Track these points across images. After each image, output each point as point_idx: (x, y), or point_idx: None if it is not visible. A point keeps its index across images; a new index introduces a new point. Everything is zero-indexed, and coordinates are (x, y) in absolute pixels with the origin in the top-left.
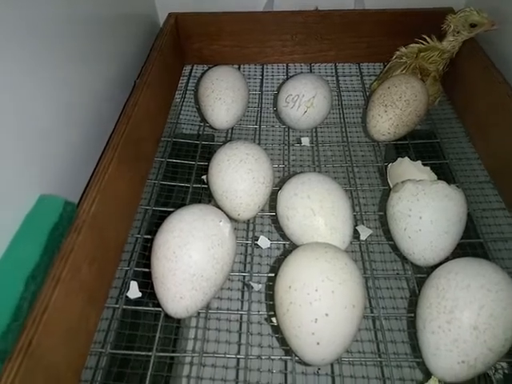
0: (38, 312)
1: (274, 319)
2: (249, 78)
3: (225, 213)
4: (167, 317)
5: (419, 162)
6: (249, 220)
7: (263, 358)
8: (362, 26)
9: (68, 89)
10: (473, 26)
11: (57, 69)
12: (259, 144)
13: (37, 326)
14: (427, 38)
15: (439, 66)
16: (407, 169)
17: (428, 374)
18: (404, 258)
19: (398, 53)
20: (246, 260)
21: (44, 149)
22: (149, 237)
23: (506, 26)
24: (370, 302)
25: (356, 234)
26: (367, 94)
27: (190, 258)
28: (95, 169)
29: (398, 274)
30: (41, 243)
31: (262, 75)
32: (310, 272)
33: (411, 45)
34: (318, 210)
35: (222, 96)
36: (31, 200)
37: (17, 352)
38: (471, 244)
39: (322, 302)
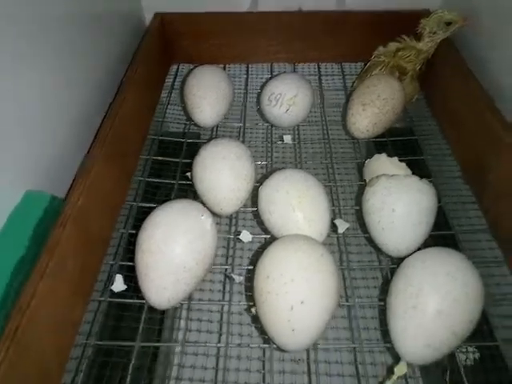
0: (24, 302)
1: (253, 309)
2: (234, 77)
3: (208, 208)
4: (151, 308)
5: (396, 158)
6: (231, 215)
7: (242, 346)
8: (344, 27)
9: (54, 86)
10: (448, 24)
11: (43, 67)
12: (243, 142)
13: (22, 315)
14: (405, 37)
15: (416, 65)
16: (384, 164)
17: (397, 358)
18: (379, 250)
19: (376, 52)
20: (228, 253)
21: (31, 146)
22: (134, 232)
23: (478, 26)
24: (345, 292)
25: (334, 228)
26: (348, 92)
27: (173, 251)
28: (82, 165)
29: (372, 264)
30: (27, 236)
31: (247, 74)
32: (287, 262)
33: (389, 44)
34: (296, 205)
35: (207, 95)
36: (18, 195)
37: (3, 338)
38: (443, 236)
39: (297, 290)
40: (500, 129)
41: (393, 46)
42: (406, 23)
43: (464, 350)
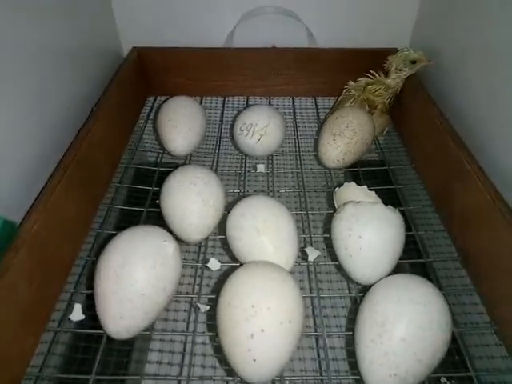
0: None
1: (217, 339)
2: (210, 109)
3: (176, 235)
4: (109, 339)
5: (365, 186)
6: (200, 242)
7: (205, 378)
8: (317, 63)
9: (23, 109)
10: (413, 62)
11: (15, 91)
12: (216, 170)
13: None
14: (374, 72)
15: (385, 99)
16: (353, 193)
17: None
18: (349, 278)
19: (347, 86)
20: (195, 282)
21: None
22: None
23: (441, 64)
24: (314, 321)
25: (304, 256)
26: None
27: (131, 277)
28: (42, 190)
29: (342, 293)
30: None
31: (223, 107)
32: (248, 288)
33: (359, 79)
34: (262, 230)
35: (179, 124)
36: None
37: None
38: (413, 264)
39: (257, 317)
40: (463, 158)
41: (362, 81)
42: (376, 60)
43: (439, 381)
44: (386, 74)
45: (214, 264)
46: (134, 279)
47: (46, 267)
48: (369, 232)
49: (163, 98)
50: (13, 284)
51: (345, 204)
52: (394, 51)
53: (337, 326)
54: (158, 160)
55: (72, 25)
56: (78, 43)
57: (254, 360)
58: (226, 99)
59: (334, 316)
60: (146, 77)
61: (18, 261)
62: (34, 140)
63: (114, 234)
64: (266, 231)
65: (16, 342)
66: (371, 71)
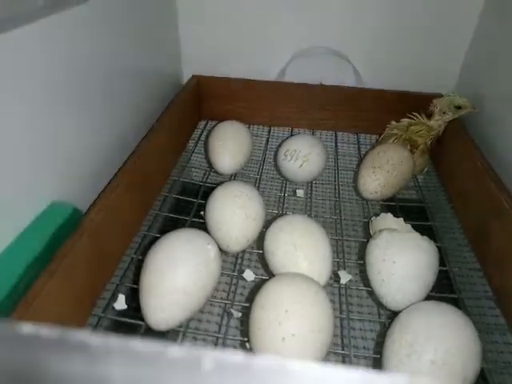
0: (30, 297)
1: (247, 344)
2: (256, 136)
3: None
4: (148, 329)
5: (401, 219)
6: (237, 254)
7: None
8: (361, 102)
9: (93, 122)
10: (458, 107)
11: (92, 107)
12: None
13: (27, 309)
14: (416, 114)
15: (427, 139)
16: (389, 223)
17: None
18: (379, 304)
19: (389, 125)
20: (230, 289)
21: (65, 166)
22: (143, 259)
23: (487, 111)
24: (342, 341)
25: (337, 278)
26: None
27: (175, 274)
28: (105, 188)
29: (372, 317)
30: (44, 239)
31: (269, 135)
32: (282, 294)
33: (402, 119)
34: (299, 246)
35: (227, 144)
36: (45, 204)
37: None
38: (445, 299)
39: (289, 322)
40: (502, 198)
41: (405, 121)
42: (418, 104)
43: None
44: (429, 116)
45: (249, 275)
46: (178, 275)
47: (99, 256)
48: (403, 258)
49: (214, 123)
50: (72, 265)
51: (381, 231)
52: (437, 96)
53: (364, 348)
54: (205, 177)
55: (141, 52)
56: (144, 68)
57: None
58: (272, 129)
59: (362, 338)
60: (201, 102)
61: (80, 245)
62: (102, 146)
63: (159, 237)
64: (302, 247)
65: (68, 318)
66: (414, 113)
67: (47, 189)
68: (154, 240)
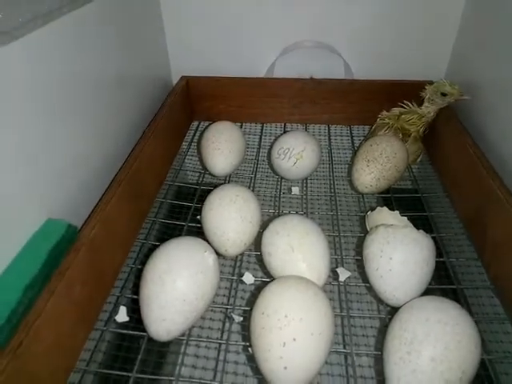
0: (31, 318)
1: (250, 349)
2: (249, 134)
3: (213, 249)
4: (150, 340)
5: (397, 212)
6: (236, 257)
7: None
8: (353, 94)
9: (84, 131)
10: (444, 95)
11: (81, 116)
12: (253, 191)
13: (28, 331)
14: (407, 103)
15: (419, 127)
16: (385, 217)
17: None
18: (379, 300)
19: (381, 115)
20: (230, 294)
21: (58, 183)
22: (142, 268)
23: (477, 98)
24: (343, 339)
25: (335, 276)
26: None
27: (174, 283)
28: (99, 201)
29: (372, 314)
30: (41, 258)
31: (262, 132)
32: (282, 299)
33: (393, 108)
34: (296, 247)
35: (221, 147)
36: (40, 222)
37: (7, 351)
38: (444, 290)
39: (290, 327)
40: (496, 187)
41: (396, 110)
42: (409, 92)
43: None
44: (420, 104)
45: (249, 278)
46: (177, 285)
47: (98, 270)
48: (400, 254)
49: (206, 124)
50: (71, 282)
51: (377, 226)
52: (425, 84)
53: (365, 345)
54: (200, 180)
55: (129, 56)
56: (133, 74)
57: (285, 368)
58: (265, 126)
59: (363, 335)
60: (192, 103)
61: (77, 261)
62: (94, 157)
63: (157, 245)
64: (299, 248)
65: (70, 336)
66: (405, 101)
67: (40, 207)
68: (152, 248)
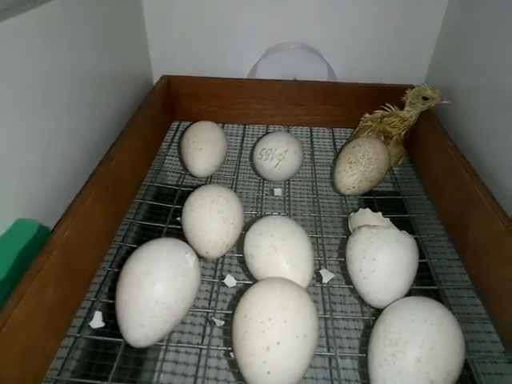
0: None
1: (232, 354)
2: (231, 136)
3: (194, 250)
4: (127, 347)
5: (380, 213)
6: (217, 259)
7: None
8: (336, 96)
9: (57, 129)
10: (425, 99)
11: (55, 113)
12: (235, 192)
13: None
14: (390, 105)
15: (400, 130)
16: (368, 218)
17: None
18: (362, 301)
19: (363, 118)
20: (211, 297)
21: (28, 181)
22: (119, 271)
23: (456, 101)
24: (327, 342)
25: (319, 278)
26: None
27: (153, 286)
28: (73, 201)
29: (355, 315)
30: (9, 261)
31: (244, 134)
32: (265, 302)
33: (376, 111)
34: (279, 248)
35: (202, 147)
36: (9, 222)
37: None
38: (427, 291)
39: (274, 330)
40: (476, 188)
41: (379, 113)
42: (391, 95)
43: None
44: (402, 107)
45: (230, 281)
46: (156, 288)
47: (71, 273)
48: (383, 255)
49: (187, 124)
50: (42, 286)
51: (360, 227)
52: (410, 87)
53: (350, 348)
54: (180, 181)
55: (106, 54)
56: (111, 70)
57: (268, 372)
58: (247, 127)
59: (347, 338)
60: (172, 103)
61: (49, 264)
62: (68, 156)
63: (135, 248)
64: (283, 249)
65: (40, 343)
66: (387, 104)
67: (9, 207)
68: (129, 251)
